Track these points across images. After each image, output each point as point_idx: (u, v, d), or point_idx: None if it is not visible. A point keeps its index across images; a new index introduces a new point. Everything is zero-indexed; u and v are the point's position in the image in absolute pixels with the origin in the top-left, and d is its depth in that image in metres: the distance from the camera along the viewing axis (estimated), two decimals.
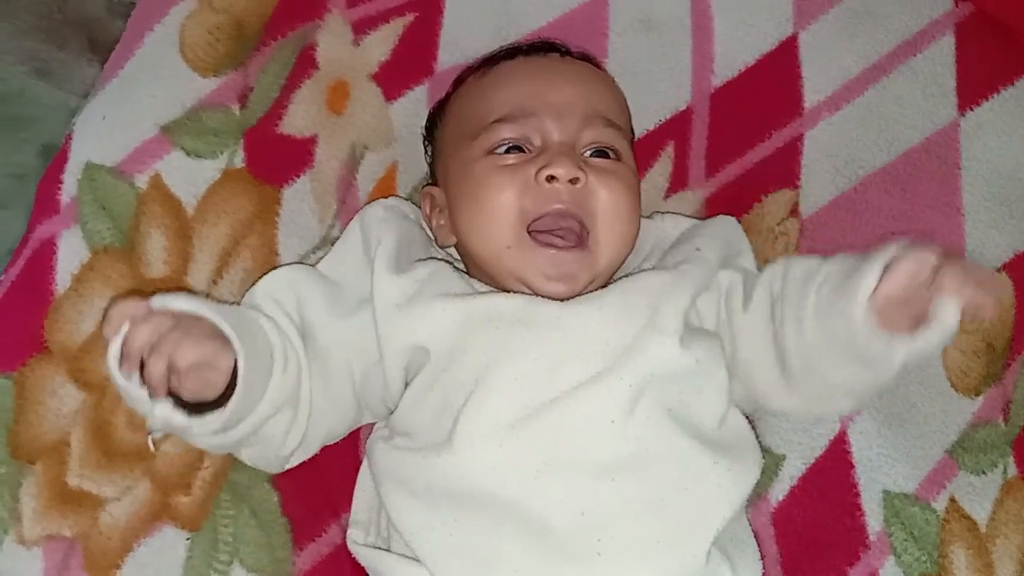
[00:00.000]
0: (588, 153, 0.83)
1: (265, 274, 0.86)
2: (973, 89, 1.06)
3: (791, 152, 1.03)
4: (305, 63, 0.98)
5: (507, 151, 0.82)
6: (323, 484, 0.87)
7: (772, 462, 0.92)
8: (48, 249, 0.88)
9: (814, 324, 0.75)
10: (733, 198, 1.01)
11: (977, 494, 0.94)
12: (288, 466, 0.84)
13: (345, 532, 0.85)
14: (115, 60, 0.95)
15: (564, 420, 0.75)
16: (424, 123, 0.97)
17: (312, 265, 0.90)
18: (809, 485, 0.91)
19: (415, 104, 0.99)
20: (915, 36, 1.07)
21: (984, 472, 0.95)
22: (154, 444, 0.84)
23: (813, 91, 1.05)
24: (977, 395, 0.97)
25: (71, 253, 0.88)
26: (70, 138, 0.92)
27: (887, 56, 1.06)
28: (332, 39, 1.00)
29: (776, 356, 0.79)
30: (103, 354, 0.85)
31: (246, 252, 0.91)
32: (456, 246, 0.88)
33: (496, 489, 0.74)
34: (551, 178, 0.79)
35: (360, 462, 0.86)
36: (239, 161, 0.94)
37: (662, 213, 0.94)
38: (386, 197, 0.93)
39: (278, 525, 0.86)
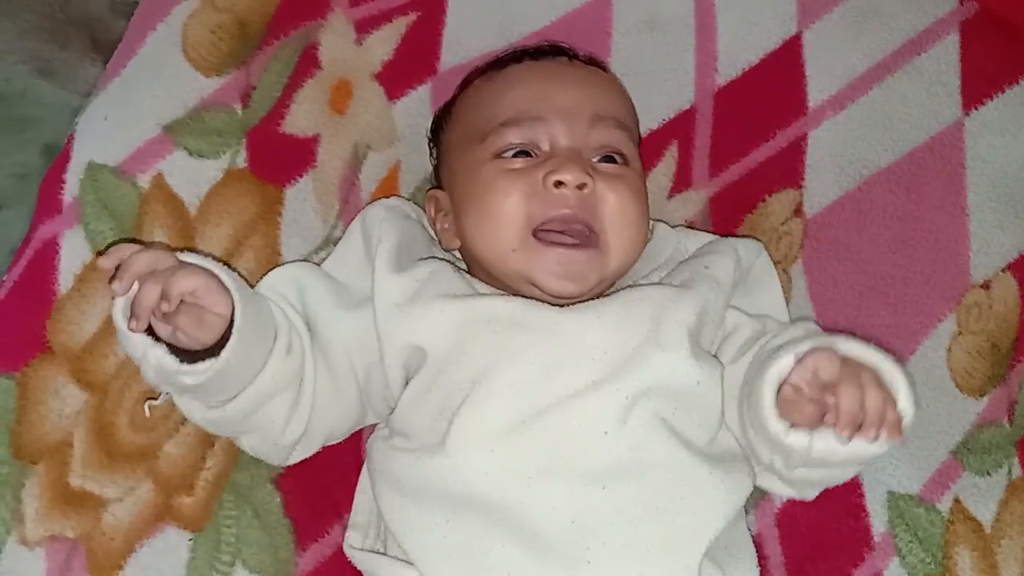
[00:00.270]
0: (596, 158, 0.83)
1: (267, 273, 0.87)
2: (978, 88, 1.06)
3: (795, 151, 1.02)
4: (308, 62, 0.98)
5: (514, 155, 0.82)
6: (325, 485, 0.87)
7: None
8: (51, 249, 0.88)
9: (746, 402, 0.77)
10: (737, 198, 1.01)
11: (982, 495, 0.94)
12: (290, 460, 0.84)
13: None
14: (117, 60, 0.95)
15: (558, 427, 0.75)
16: (429, 125, 0.97)
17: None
18: None
19: (418, 104, 0.99)
20: (920, 35, 1.07)
21: (989, 473, 0.95)
22: (150, 411, 0.84)
23: (817, 90, 1.04)
24: (982, 396, 0.97)
25: (73, 253, 0.88)
26: (72, 138, 0.92)
27: (891, 55, 1.06)
28: (335, 38, 0.99)
29: (737, 423, 0.80)
30: (105, 355, 0.86)
31: (249, 252, 0.91)
32: (460, 249, 0.87)
33: (488, 493, 0.74)
34: (559, 183, 0.79)
35: (362, 463, 0.86)
36: (241, 161, 0.94)
37: (688, 228, 0.94)
38: (388, 197, 0.93)
39: (281, 526, 0.86)
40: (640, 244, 0.84)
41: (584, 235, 0.80)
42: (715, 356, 0.82)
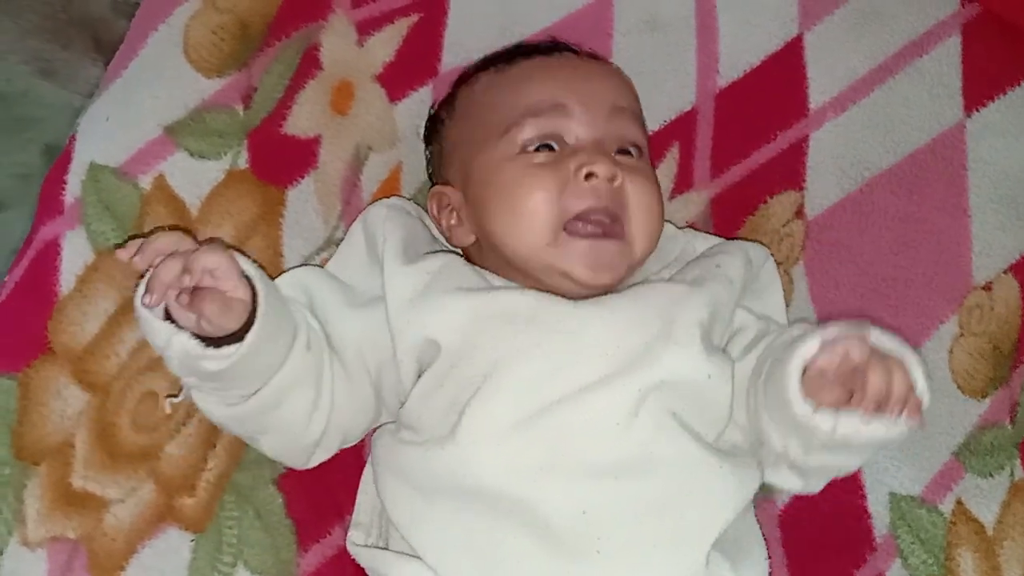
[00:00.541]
0: (614, 151, 0.83)
1: (270, 275, 0.86)
2: (979, 90, 1.06)
3: (796, 153, 1.02)
4: (309, 64, 0.98)
5: (537, 149, 0.82)
6: (327, 486, 0.87)
7: None
8: (52, 250, 0.88)
9: (763, 385, 0.77)
10: (738, 199, 1.01)
11: (984, 497, 0.94)
12: (311, 462, 0.83)
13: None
14: (119, 61, 0.95)
15: (568, 421, 0.75)
16: (424, 122, 0.96)
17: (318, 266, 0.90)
18: None
19: (419, 105, 0.99)
20: (921, 37, 1.07)
21: (991, 475, 0.95)
22: (171, 408, 0.84)
23: (818, 92, 1.04)
24: (984, 397, 0.97)
25: (75, 254, 0.88)
26: (74, 139, 0.92)
27: (893, 57, 1.06)
28: (336, 40, 0.99)
29: (746, 417, 0.80)
30: (107, 356, 0.86)
31: (251, 253, 0.91)
32: (475, 243, 0.87)
33: (498, 485, 0.74)
34: (590, 175, 0.79)
35: (364, 464, 0.86)
36: (243, 162, 0.94)
37: (695, 230, 0.94)
38: (388, 197, 0.93)
39: (282, 527, 0.86)
40: (658, 237, 0.84)
41: (610, 226, 0.80)
42: (725, 352, 0.82)
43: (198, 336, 0.73)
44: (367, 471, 0.86)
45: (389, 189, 0.97)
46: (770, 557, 0.83)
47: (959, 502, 0.93)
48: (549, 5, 1.04)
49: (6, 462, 0.83)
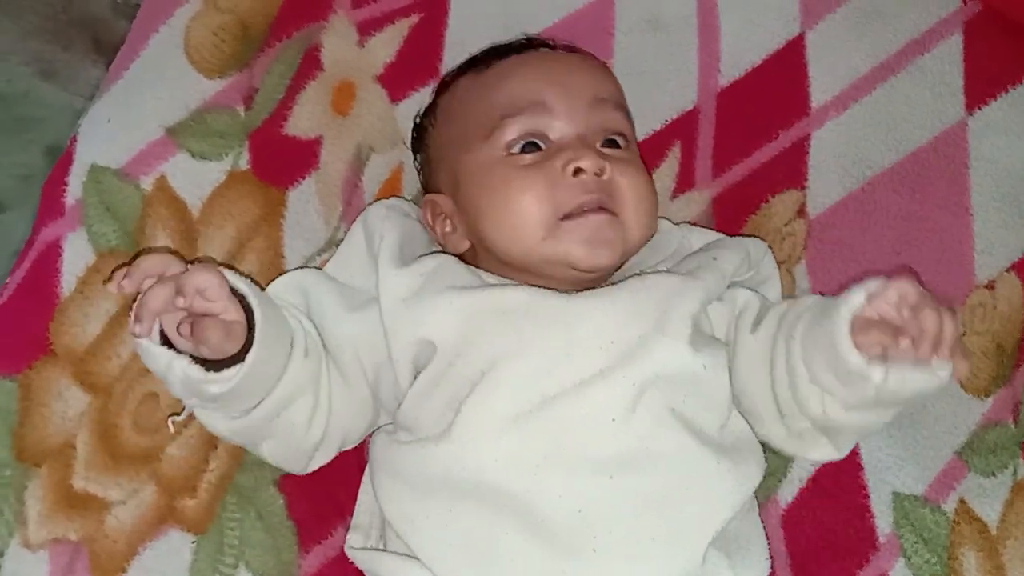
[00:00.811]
0: (599, 142, 0.83)
1: (271, 276, 0.87)
2: (981, 88, 1.05)
3: (798, 152, 1.02)
4: (310, 64, 0.98)
5: (522, 150, 0.82)
6: (329, 487, 0.87)
7: (781, 463, 0.91)
8: (53, 252, 0.88)
9: (799, 345, 0.77)
10: (740, 198, 1.01)
11: (987, 496, 0.93)
12: (310, 467, 0.83)
13: None
14: (120, 62, 0.95)
15: (565, 416, 0.75)
16: (410, 133, 0.96)
17: (318, 267, 0.90)
18: (818, 487, 0.91)
19: (420, 105, 0.99)
20: (923, 35, 1.06)
21: (994, 474, 0.95)
22: (174, 427, 0.84)
23: (820, 91, 1.04)
24: (987, 396, 0.97)
25: (76, 255, 0.88)
26: (75, 140, 0.92)
27: (895, 55, 1.06)
28: (337, 40, 0.99)
29: (769, 385, 0.80)
30: (108, 357, 0.86)
31: (252, 254, 0.91)
32: (471, 249, 0.87)
33: (494, 481, 0.74)
34: (577, 171, 0.79)
35: (366, 465, 0.86)
36: (244, 163, 0.94)
37: (691, 225, 0.94)
38: (389, 198, 0.93)
39: (284, 528, 0.86)
40: (654, 222, 0.84)
41: (599, 207, 0.80)
42: (724, 342, 0.82)
43: (197, 360, 0.73)
44: (367, 473, 0.85)
45: (390, 190, 0.97)
46: (772, 556, 0.83)
47: (962, 501, 0.93)
48: (550, 5, 1.04)
49: (7, 464, 0.83)
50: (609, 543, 0.74)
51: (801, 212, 1.00)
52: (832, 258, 0.99)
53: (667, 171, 1.01)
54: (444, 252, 0.86)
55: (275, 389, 0.77)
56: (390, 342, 0.80)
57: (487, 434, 0.75)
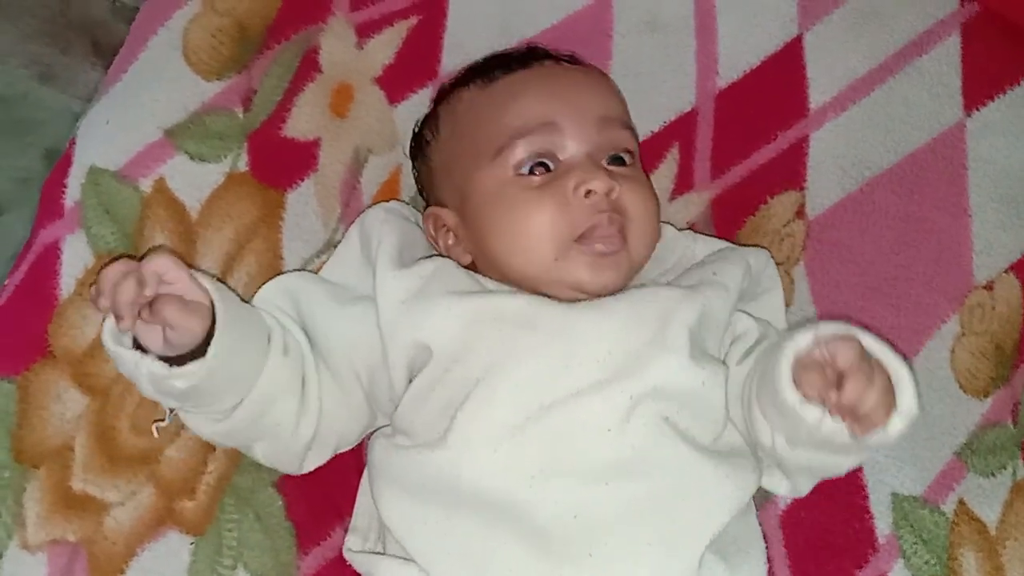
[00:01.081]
0: (605, 160, 0.83)
1: (270, 277, 0.87)
2: (979, 89, 1.06)
3: (797, 153, 1.02)
4: (308, 66, 0.98)
5: (531, 170, 0.82)
6: (327, 489, 0.87)
7: None
8: (52, 253, 0.88)
9: (755, 380, 0.77)
10: (738, 200, 1.01)
11: (986, 496, 0.93)
12: (304, 468, 0.83)
13: None
14: (119, 64, 0.95)
15: (561, 426, 0.75)
16: (409, 143, 0.95)
17: (315, 270, 0.90)
18: (817, 488, 0.91)
19: (419, 107, 0.99)
20: (921, 36, 1.07)
21: (993, 474, 0.94)
22: (159, 433, 0.84)
23: (818, 92, 1.04)
24: (986, 397, 0.97)
25: (75, 257, 0.88)
26: (74, 142, 0.92)
27: (892, 57, 1.06)
28: (335, 42, 0.99)
29: (741, 419, 0.80)
30: (107, 359, 0.86)
31: (250, 256, 0.91)
32: (474, 263, 0.86)
33: (490, 489, 0.74)
34: (589, 192, 0.80)
35: (364, 467, 0.86)
36: (243, 165, 0.94)
37: (696, 233, 0.94)
38: (388, 201, 0.93)
39: (282, 529, 0.86)
40: (655, 241, 0.85)
41: (618, 239, 0.80)
42: (723, 361, 0.82)
43: (164, 358, 0.73)
44: (366, 475, 0.85)
45: (389, 191, 0.97)
46: (771, 558, 0.83)
47: (961, 502, 0.93)
48: (549, 6, 1.04)
49: (6, 465, 0.83)
50: (605, 549, 0.74)
51: (800, 213, 1.00)
52: (831, 259, 0.99)
53: (665, 173, 1.01)
54: (442, 256, 0.86)
55: (254, 388, 0.77)
56: (386, 344, 0.80)
57: (483, 442, 0.75)
